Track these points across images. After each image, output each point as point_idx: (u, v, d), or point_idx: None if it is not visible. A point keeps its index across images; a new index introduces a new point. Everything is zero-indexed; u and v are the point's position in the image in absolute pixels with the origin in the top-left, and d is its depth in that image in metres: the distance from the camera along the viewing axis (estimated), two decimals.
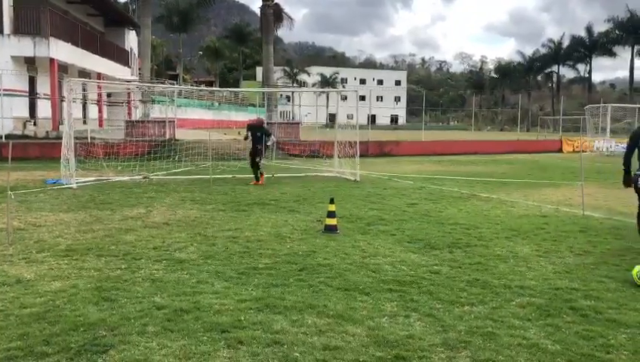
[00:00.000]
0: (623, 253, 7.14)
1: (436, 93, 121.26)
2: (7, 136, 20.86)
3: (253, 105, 46.05)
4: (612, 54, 77.57)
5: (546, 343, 4.21)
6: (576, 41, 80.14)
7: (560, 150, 33.57)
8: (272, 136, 15.42)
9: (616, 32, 74.99)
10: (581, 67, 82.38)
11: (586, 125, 37.21)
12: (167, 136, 23.25)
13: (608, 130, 36.25)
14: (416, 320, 4.66)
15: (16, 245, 7.07)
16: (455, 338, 4.28)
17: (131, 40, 41.97)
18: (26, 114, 25.39)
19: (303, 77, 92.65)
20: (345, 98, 24.68)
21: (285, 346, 4.05)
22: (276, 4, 34.43)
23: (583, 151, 24.18)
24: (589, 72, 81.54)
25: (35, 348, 3.93)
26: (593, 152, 32.37)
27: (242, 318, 4.58)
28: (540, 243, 7.66)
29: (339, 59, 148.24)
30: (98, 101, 32.85)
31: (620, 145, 34.35)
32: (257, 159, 14.52)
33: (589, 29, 78.97)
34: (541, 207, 11.04)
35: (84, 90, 25.93)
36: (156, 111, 33.70)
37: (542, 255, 7.03)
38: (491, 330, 4.44)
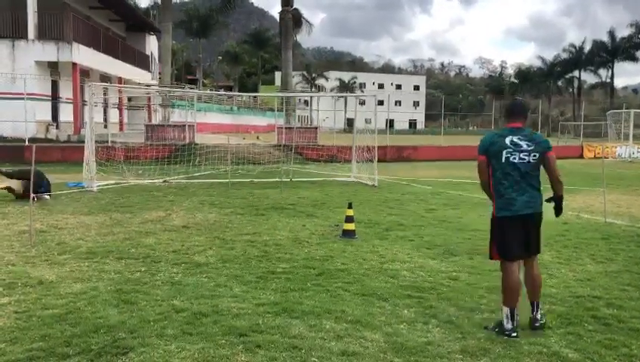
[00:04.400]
0: None
1: (455, 98, 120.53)
2: (31, 140, 21.21)
3: (272, 110, 46.27)
4: (635, 59, 76.59)
5: (566, 352, 4.16)
6: (597, 45, 79.13)
7: (581, 156, 33.15)
8: None
9: (639, 36, 74.00)
10: (603, 72, 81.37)
11: (608, 131, 36.76)
12: (187, 140, 23.45)
13: (631, 135, 35.73)
14: (434, 326, 4.63)
15: (38, 247, 7.17)
16: (474, 345, 4.24)
17: (152, 45, 42.45)
18: (48, 117, 25.80)
19: (321, 81, 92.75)
20: (363, 103, 24.67)
21: (303, 351, 4.05)
22: (295, 9, 34.62)
23: (604, 157, 23.89)
24: (611, 77, 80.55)
25: (56, 349, 3.98)
26: (615, 158, 31.91)
27: (260, 322, 4.59)
28: (560, 251, 7.56)
29: (357, 64, 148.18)
30: (119, 105, 33.25)
31: None
32: None
33: (611, 34, 78.06)
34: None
35: (105, 94, 26.26)
36: (176, 116, 34.02)
37: (563, 262, 6.94)
38: (511, 338, 4.38)
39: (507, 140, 4.50)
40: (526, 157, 4.47)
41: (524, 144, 4.47)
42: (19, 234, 7.98)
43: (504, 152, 4.48)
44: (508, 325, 4.45)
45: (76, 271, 6.11)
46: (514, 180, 4.49)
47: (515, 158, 4.47)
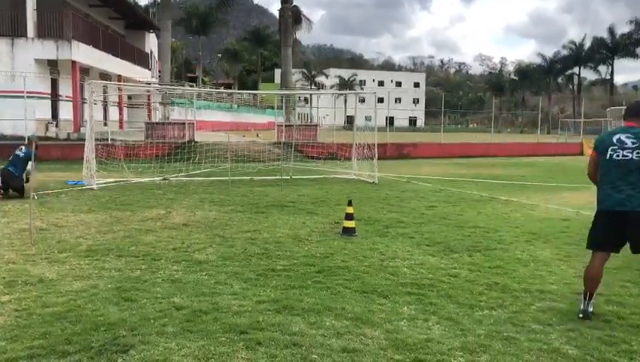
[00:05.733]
0: None
1: (455, 95, 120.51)
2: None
3: (272, 108, 46.27)
4: (635, 56, 76.41)
5: (567, 348, 4.16)
6: (597, 42, 78.99)
7: (581, 153, 33.12)
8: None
9: (639, 33, 73.91)
10: (603, 69, 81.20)
11: (608, 128, 36.68)
12: (187, 138, 23.44)
13: None
14: (435, 323, 4.63)
15: (38, 245, 7.17)
16: (474, 342, 4.24)
17: (151, 42, 42.40)
18: (48, 116, 25.76)
19: (321, 79, 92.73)
20: (363, 100, 24.68)
21: (303, 348, 4.05)
22: (295, 6, 34.59)
23: None
24: (611, 74, 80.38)
25: (56, 347, 3.98)
26: None
27: (260, 319, 4.59)
28: (560, 247, 7.57)
29: (357, 62, 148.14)
30: (119, 103, 33.22)
31: None
32: None
33: (611, 30, 77.92)
34: (562, 210, 10.91)
35: (105, 92, 26.24)
36: (176, 114, 34.02)
37: (563, 259, 6.94)
38: (511, 335, 4.39)
39: (614, 138, 4.73)
40: (629, 155, 4.61)
41: (629, 142, 4.63)
42: (19, 232, 7.98)
43: (609, 150, 4.71)
44: (580, 306, 4.83)
45: (76, 268, 6.11)
46: (614, 177, 4.69)
47: (617, 156, 4.66)
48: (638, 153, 4.58)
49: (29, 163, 9.95)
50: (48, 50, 24.54)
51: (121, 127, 32.34)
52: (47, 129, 24.87)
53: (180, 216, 9.53)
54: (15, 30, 24.60)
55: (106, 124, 25.35)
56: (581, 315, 4.75)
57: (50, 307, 4.84)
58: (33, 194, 8.07)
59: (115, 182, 14.48)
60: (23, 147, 11.88)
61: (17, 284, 5.49)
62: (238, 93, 62.34)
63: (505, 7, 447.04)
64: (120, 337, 4.18)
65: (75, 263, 6.33)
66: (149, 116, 34.59)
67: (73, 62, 24.95)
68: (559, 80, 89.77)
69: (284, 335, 4.28)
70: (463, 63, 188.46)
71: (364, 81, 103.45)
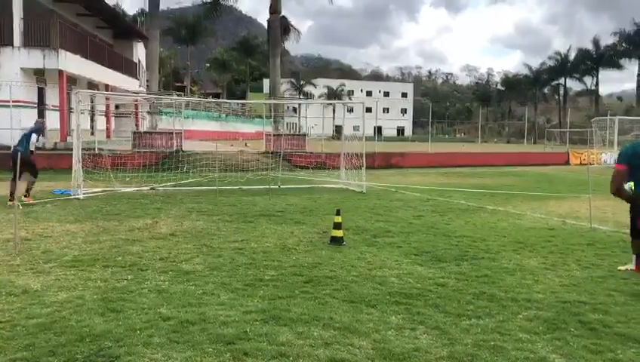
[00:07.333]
0: None
1: (442, 105, 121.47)
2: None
3: (260, 117, 46.25)
4: (619, 67, 77.65)
5: (553, 357, 4.18)
6: (582, 53, 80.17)
7: (567, 162, 33.47)
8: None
9: (623, 44, 75.14)
10: (588, 79, 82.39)
11: (593, 137, 37.14)
12: (175, 148, 23.35)
13: (616, 142, 36.13)
14: (422, 333, 4.64)
15: (23, 255, 7.09)
16: (462, 351, 4.25)
17: (139, 52, 42.29)
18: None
19: (309, 89, 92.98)
20: (351, 110, 24.84)
21: (291, 358, 4.04)
22: (283, 16, 34.75)
23: (590, 163, 24.14)
24: (596, 85, 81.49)
25: (41, 359, 3.93)
26: (600, 165, 32.23)
27: (248, 330, 4.57)
28: (547, 256, 7.62)
29: (345, 72, 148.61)
30: (106, 112, 33.06)
31: None
32: None
33: (595, 42, 79.09)
34: (548, 219, 10.99)
35: (92, 101, 26.10)
36: (163, 123, 33.90)
37: (549, 268, 6.99)
38: (498, 344, 4.40)
39: None
40: None
41: None
42: (3, 242, 7.89)
43: None
44: None
45: (62, 279, 6.05)
46: None
47: None
48: None
49: (33, 136, 10.33)
50: (35, 59, 24.36)
51: (108, 136, 32.16)
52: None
53: (167, 226, 9.48)
54: (1, 39, 24.39)
55: (93, 134, 25.20)
56: None
57: (34, 318, 4.78)
58: (18, 204, 8.00)
59: (102, 191, 14.38)
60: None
61: (1, 295, 5.42)
62: (227, 103, 62.31)
63: (491, 18, 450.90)
64: (105, 348, 4.13)
65: (60, 274, 6.26)
66: (137, 125, 34.44)
67: (60, 72, 24.80)
68: (545, 90, 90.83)
69: (271, 345, 4.26)
70: (450, 74, 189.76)
71: (353, 91, 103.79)
